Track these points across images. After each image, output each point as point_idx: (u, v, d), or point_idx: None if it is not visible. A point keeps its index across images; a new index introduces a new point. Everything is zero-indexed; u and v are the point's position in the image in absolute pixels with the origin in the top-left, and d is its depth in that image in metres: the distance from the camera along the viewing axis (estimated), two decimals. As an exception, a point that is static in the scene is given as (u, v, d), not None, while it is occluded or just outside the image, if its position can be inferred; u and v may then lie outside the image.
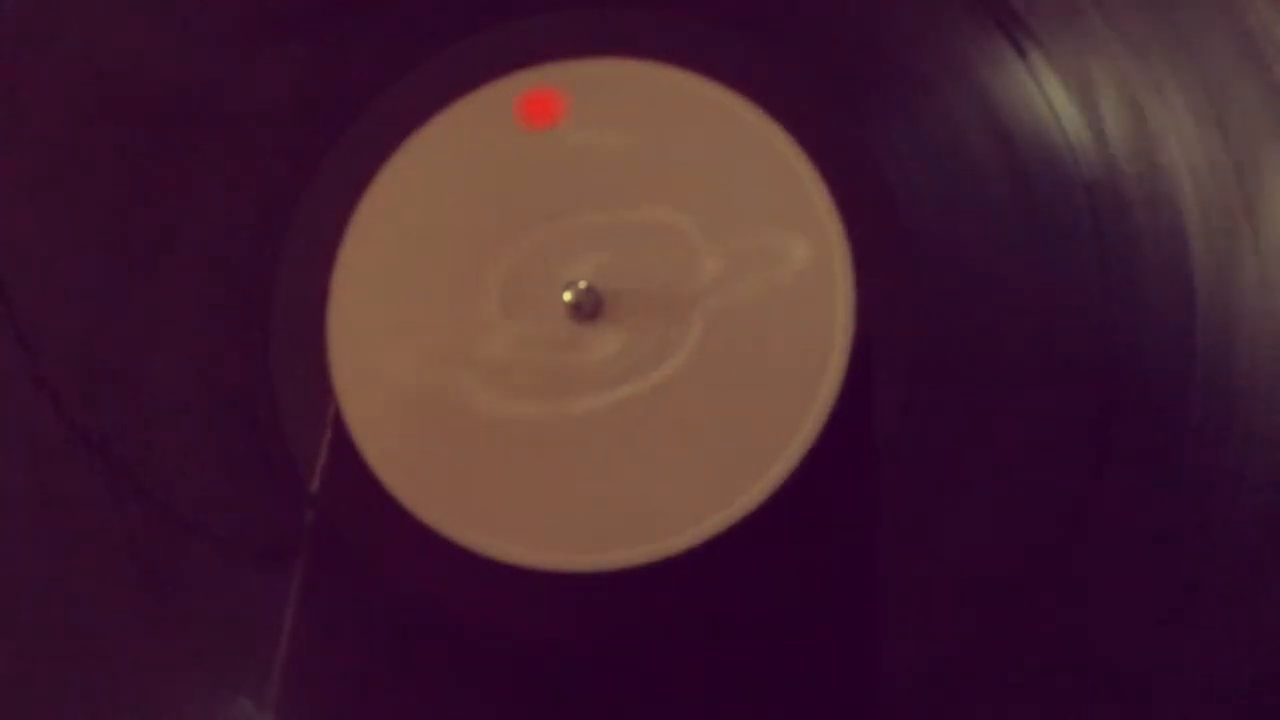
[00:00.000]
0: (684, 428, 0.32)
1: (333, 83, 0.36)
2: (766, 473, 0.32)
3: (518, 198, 0.34)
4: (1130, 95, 0.32)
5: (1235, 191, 0.32)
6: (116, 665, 0.33)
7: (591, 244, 0.34)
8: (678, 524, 0.32)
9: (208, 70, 0.36)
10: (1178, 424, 0.31)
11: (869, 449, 0.32)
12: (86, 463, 0.34)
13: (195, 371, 0.34)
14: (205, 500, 0.33)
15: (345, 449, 0.33)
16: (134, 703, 0.33)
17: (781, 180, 0.34)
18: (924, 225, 0.33)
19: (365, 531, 0.33)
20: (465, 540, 0.32)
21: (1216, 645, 0.30)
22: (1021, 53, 0.33)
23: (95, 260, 0.35)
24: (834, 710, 0.31)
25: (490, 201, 0.34)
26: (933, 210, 0.33)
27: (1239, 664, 0.30)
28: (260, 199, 0.35)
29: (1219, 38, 0.32)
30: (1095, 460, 0.31)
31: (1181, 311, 0.31)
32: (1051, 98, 0.33)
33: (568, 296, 0.33)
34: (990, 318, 0.32)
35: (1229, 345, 0.31)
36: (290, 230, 0.35)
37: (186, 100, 0.36)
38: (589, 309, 0.33)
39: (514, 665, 0.32)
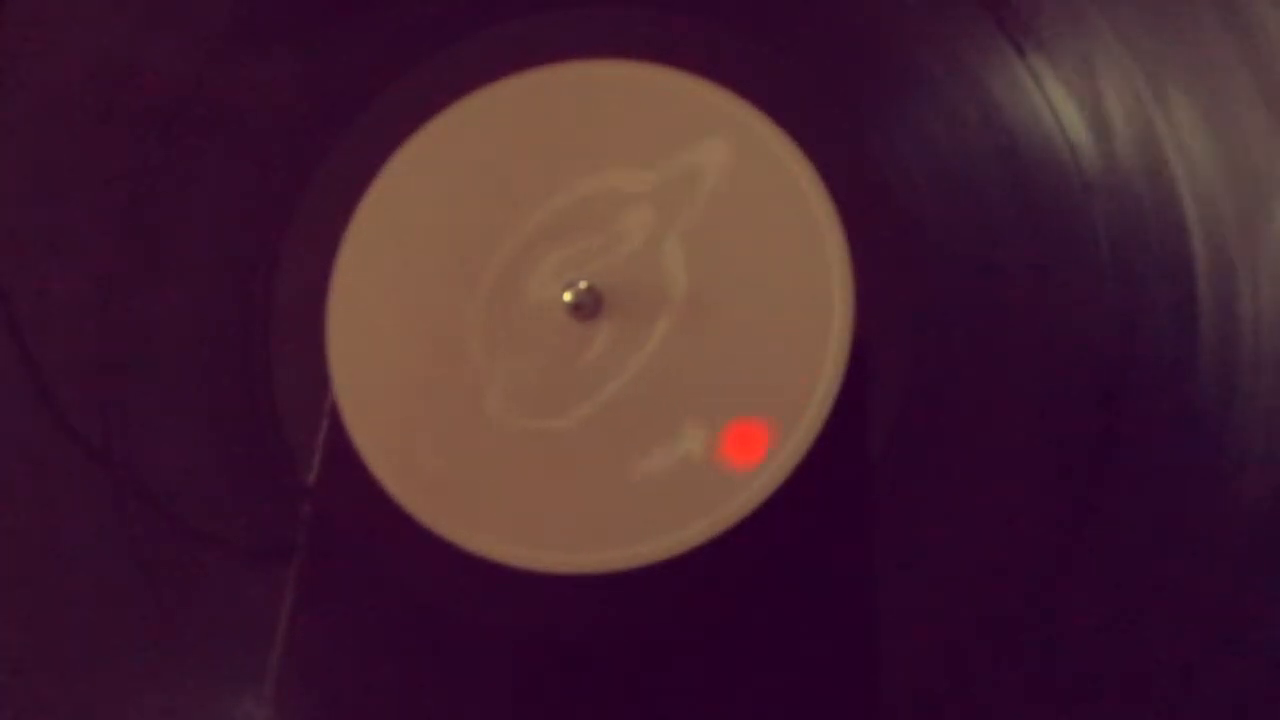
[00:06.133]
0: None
1: (333, 83, 0.36)
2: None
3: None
4: (1130, 95, 0.32)
5: (1235, 190, 0.31)
6: (117, 663, 0.33)
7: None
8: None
9: (208, 70, 0.36)
10: (1179, 423, 0.31)
11: (867, 449, 0.32)
12: (86, 464, 0.34)
13: (195, 371, 0.34)
14: (205, 500, 0.33)
15: (342, 447, 0.33)
16: (134, 700, 0.33)
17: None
18: (924, 225, 0.33)
19: (361, 528, 0.33)
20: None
21: (1217, 647, 0.30)
22: (1021, 53, 0.33)
23: (95, 261, 0.35)
24: (832, 710, 0.31)
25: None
26: (932, 210, 0.33)
27: (1240, 665, 0.30)
28: (260, 199, 0.35)
29: (1219, 37, 0.32)
30: (1095, 461, 0.31)
31: (1182, 311, 0.31)
32: (1051, 98, 0.33)
33: (568, 296, 0.33)
34: (990, 317, 0.32)
35: (1231, 344, 0.31)
36: (290, 230, 0.35)
37: (186, 100, 0.36)
38: (589, 308, 0.33)
39: (511, 664, 0.32)
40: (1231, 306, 0.31)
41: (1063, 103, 0.33)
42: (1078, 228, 0.32)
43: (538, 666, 0.32)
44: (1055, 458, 0.31)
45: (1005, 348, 0.32)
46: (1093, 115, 0.33)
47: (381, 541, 0.33)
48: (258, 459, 0.33)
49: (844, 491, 0.32)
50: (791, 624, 0.31)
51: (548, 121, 0.35)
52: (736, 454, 0.32)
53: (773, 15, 0.35)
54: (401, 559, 0.33)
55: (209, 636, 0.32)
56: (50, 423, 0.34)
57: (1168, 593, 0.30)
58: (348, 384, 0.34)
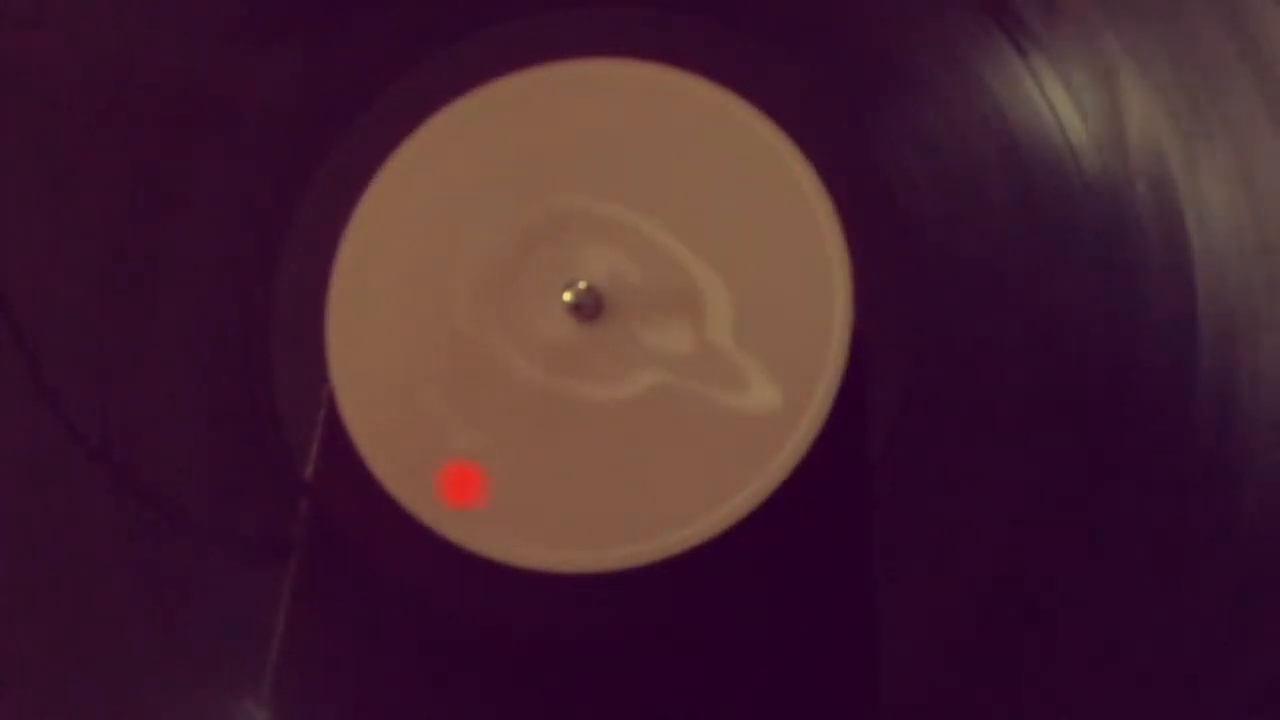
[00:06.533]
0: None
1: (333, 82, 0.36)
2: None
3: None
4: (1130, 95, 0.32)
5: (1235, 190, 0.31)
6: (117, 661, 0.33)
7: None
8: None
9: (208, 70, 0.36)
10: (1178, 423, 0.31)
11: (867, 448, 0.32)
12: (87, 463, 0.34)
13: (195, 371, 0.34)
14: (204, 498, 0.33)
15: (341, 446, 0.33)
16: (134, 699, 0.33)
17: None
18: (924, 225, 0.33)
19: (360, 528, 0.33)
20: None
21: (1216, 649, 0.30)
22: (1021, 53, 0.33)
23: (96, 260, 0.35)
24: (832, 709, 0.31)
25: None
26: (933, 210, 0.33)
27: (1239, 666, 0.30)
28: (260, 199, 0.35)
29: (1220, 38, 0.32)
30: (1094, 461, 0.31)
31: (1182, 311, 0.31)
32: (1051, 98, 0.33)
33: (568, 296, 0.33)
34: (989, 318, 0.32)
35: (1230, 344, 0.31)
36: (290, 230, 0.35)
37: (186, 100, 0.36)
38: (589, 309, 0.33)
39: (510, 661, 0.32)
40: (1230, 306, 0.31)
41: (1063, 103, 0.33)
42: (1078, 228, 0.32)
43: (537, 665, 0.32)
44: (1054, 458, 0.31)
45: (1004, 347, 0.32)
46: (1092, 116, 0.33)
47: (380, 540, 0.33)
48: (257, 458, 0.33)
49: (844, 491, 0.32)
50: (791, 624, 0.31)
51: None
52: (455, 494, 0.32)
53: (773, 15, 0.35)
54: (400, 557, 0.33)
55: (208, 635, 0.32)
56: (50, 423, 0.34)
57: (1167, 593, 0.30)
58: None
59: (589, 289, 0.33)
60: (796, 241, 0.33)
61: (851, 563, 0.31)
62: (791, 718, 0.31)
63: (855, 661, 0.31)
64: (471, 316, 0.34)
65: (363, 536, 0.33)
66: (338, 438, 0.33)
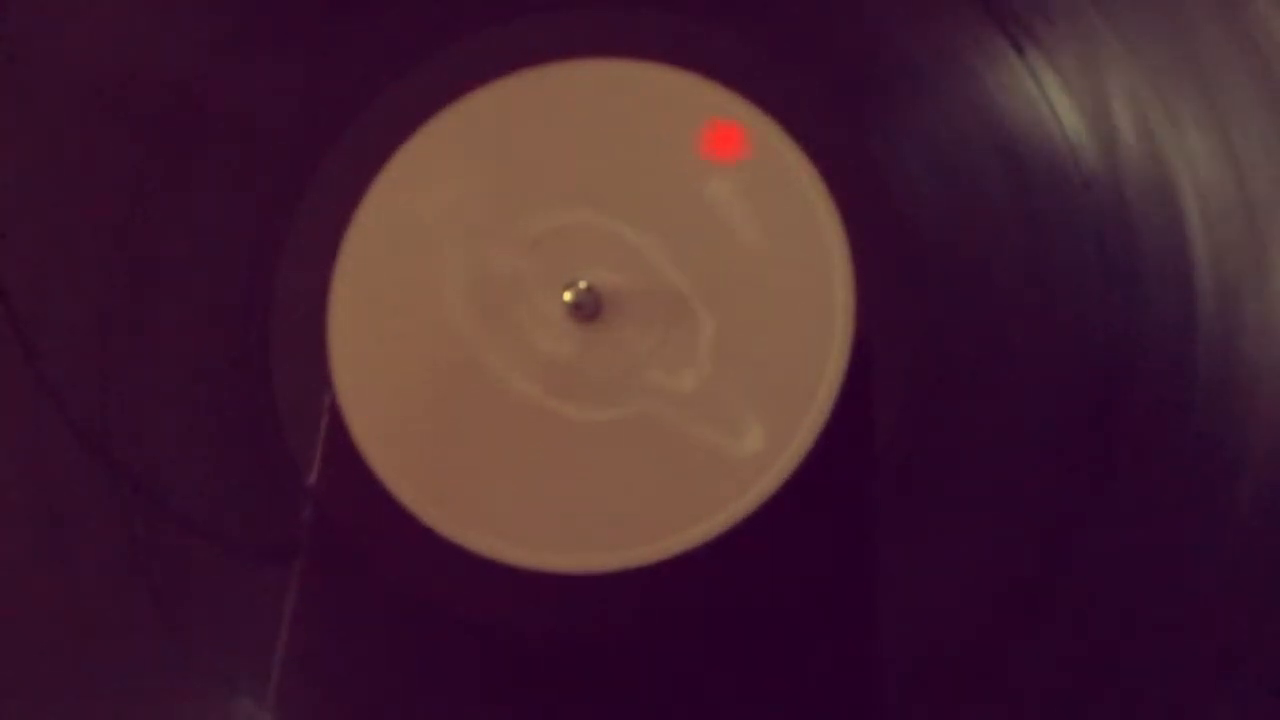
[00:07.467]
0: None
1: (333, 82, 0.36)
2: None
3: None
4: (1130, 95, 0.32)
5: (1235, 190, 0.32)
6: (117, 664, 0.33)
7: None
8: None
9: (208, 70, 0.36)
10: (1178, 424, 0.31)
11: (868, 449, 0.32)
12: (87, 463, 0.34)
13: (195, 371, 0.34)
14: (205, 500, 0.33)
15: (344, 447, 0.33)
16: (134, 701, 0.33)
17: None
18: (924, 225, 0.33)
19: (363, 530, 0.33)
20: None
21: (1218, 647, 0.30)
22: (1021, 53, 0.33)
23: (96, 260, 0.35)
24: (832, 709, 0.31)
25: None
26: (933, 210, 0.33)
27: (1241, 666, 0.30)
28: (260, 199, 0.35)
29: (1219, 37, 0.32)
30: (1095, 462, 0.31)
31: (1182, 311, 0.31)
32: (1051, 97, 0.33)
33: (568, 296, 0.33)
34: (990, 317, 0.32)
35: (1229, 345, 0.31)
36: (290, 230, 0.35)
37: (186, 100, 0.36)
38: (589, 309, 0.33)
39: (513, 664, 0.32)
40: (1232, 305, 0.31)
41: (1063, 103, 0.33)
42: (1078, 227, 0.32)
43: (540, 666, 0.32)
44: (1056, 456, 0.31)
45: (1005, 347, 0.32)
46: (1092, 114, 0.33)
47: (383, 541, 0.33)
48: (259, 459, 0.33)
49: (845, 492, 0.32)
50: (792, 624, 0.31)
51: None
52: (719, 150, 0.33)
53: (773, 15, 0.35)
54: (403, 558, 0.33)
55: (210, 637, 0.32)
56: (50, 422, 0.34)
57: (1167, 595, 0.30)
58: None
59: (589, 289, 0.33)
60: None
61: (852, 563, 0.31)
62: (792, 718, 0.31)
63: (856, 661, 0.31)
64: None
65: (366, 539, 0.33)
66: (341, 441, 0.33)
